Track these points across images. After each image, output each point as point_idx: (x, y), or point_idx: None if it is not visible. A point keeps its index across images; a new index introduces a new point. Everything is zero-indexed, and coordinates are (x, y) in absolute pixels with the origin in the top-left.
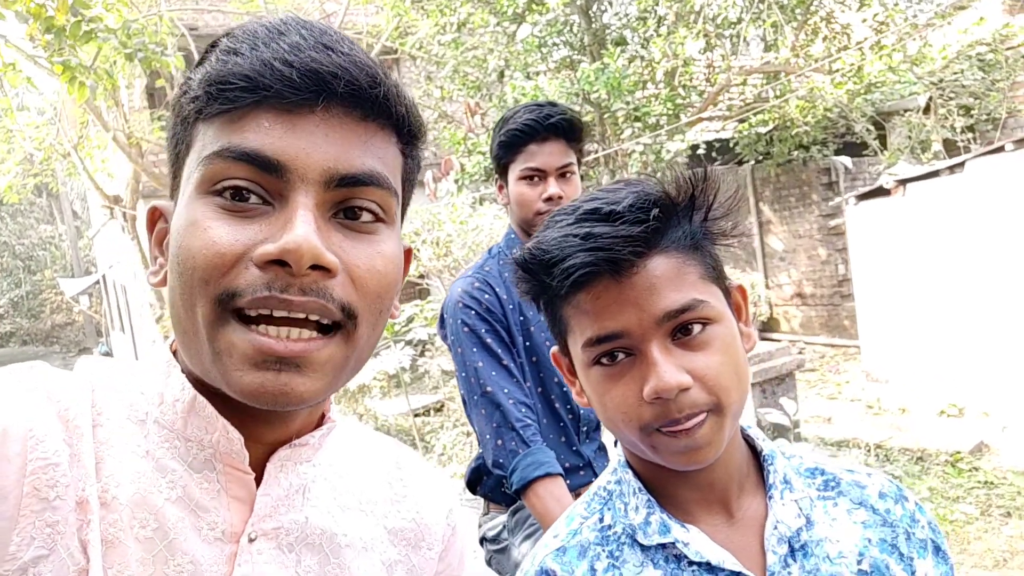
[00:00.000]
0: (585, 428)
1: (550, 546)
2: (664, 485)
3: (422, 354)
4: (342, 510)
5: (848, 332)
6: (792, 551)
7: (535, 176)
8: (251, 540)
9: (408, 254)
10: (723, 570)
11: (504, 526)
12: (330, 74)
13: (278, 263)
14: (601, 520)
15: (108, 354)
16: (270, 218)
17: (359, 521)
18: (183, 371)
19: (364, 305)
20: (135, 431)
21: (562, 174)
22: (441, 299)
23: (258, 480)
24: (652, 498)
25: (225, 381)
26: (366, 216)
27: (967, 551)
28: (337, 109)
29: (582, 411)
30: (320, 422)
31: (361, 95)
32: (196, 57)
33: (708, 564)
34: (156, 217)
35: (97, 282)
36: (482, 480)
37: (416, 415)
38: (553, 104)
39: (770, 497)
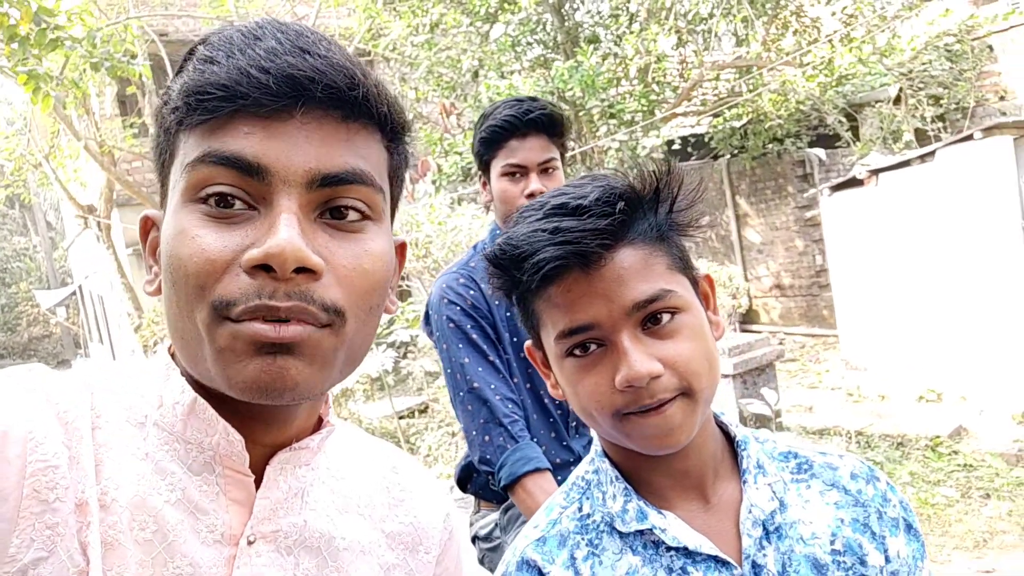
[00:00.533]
0: (575, 423)
1: (530, 536)
2: (640, 473)
3: (405, 356)
4: (340, 513)
5: (827, 322)
6: (767, 533)
7: (517, 172)
8: (250, 543)
9: (402, 248)
10: (700, 554)
11: (496, 524)
12: (307, 79)
13: (264, 267)
14: (580, 509)
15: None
16: (256, 223)
17: (357, 525)
18: (182, 374)
19: (352, 302)
20: (134, 433)
21: (544, 170)
22: (422, 300)
23: (257, 483)
24: (629, 486)
25: (226, 375)
26: (352, 215)
27: (948, 533)
28: (317, 112)
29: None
30: (318, 426)
31: (340, 97)
32: (167, 63)
33: (685, 549)
34: (149, 227)
35: (73, 293)
36: (472, 478)
37: (400, 417)
38: (534, 99)
39: (744, 482)
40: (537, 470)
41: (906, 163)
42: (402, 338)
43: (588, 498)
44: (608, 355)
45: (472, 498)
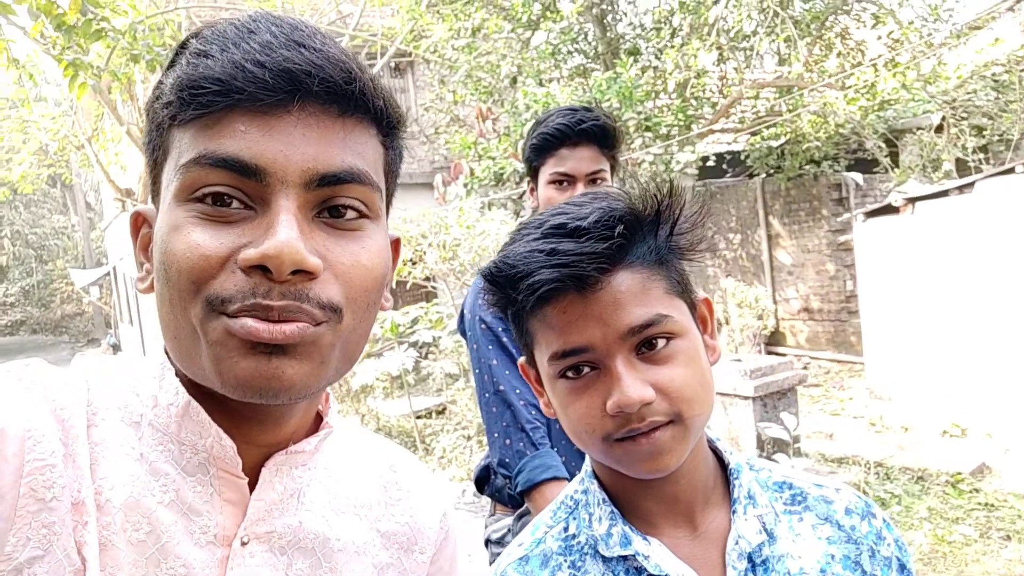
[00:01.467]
0: None
1: (513, 555)
2: (629, 497)
3: (426, 356)
4: (336, 514)
5: (854, 348)
6: (753, 566)
7: (564, 181)
8: (243, 543)
9: (396, 244)
10: None
11: (509, 529)
12: (303, 72)
13: (260, 267)
14: (566, 529)
15: (116, 346)
16: (253, 222)
17: (353, 525)
18: (177, 374)
19: (349, 299)
20: (129, 433)
21: (592, 180)
22: (447, 302)
23: (253, 483)
24: (616, 509)
25: (218, 372)
26: (350, 214)
27: (964, 573)
28: (313, 107)
29: None
30: (317, 426)
31: (337, 91)
32: None
33: None
34: (140, 223)
35: (108, 274)
36: (489, 480)
37: (418, 417)
38: (588, 109)
39: (733, 512)
40: (555, 479)
41: (944, 193)
42: (424, 339)
43: (575, 519)
44: (601, 379)
45: (488, 500)
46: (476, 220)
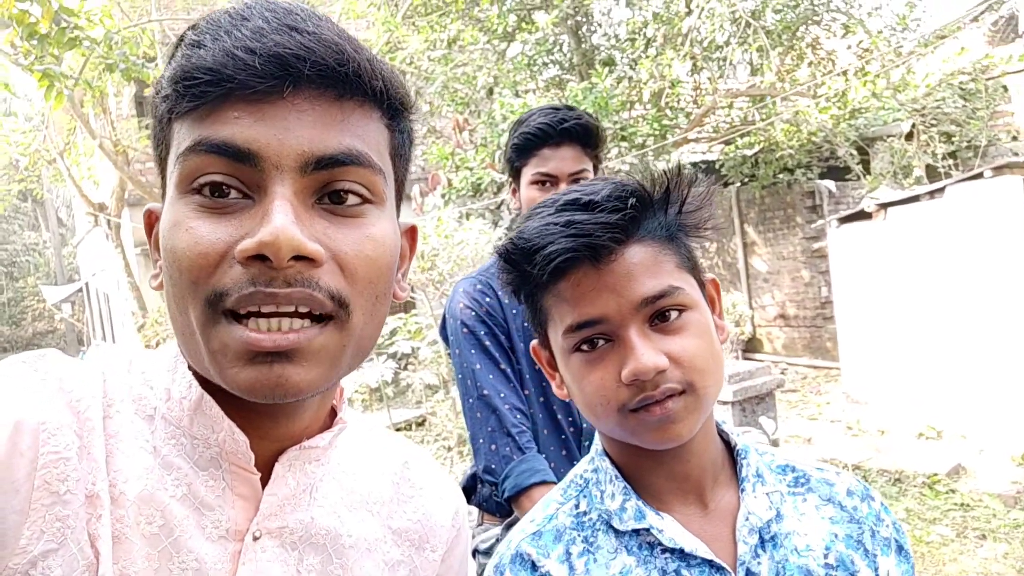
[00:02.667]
0: (587, 443)
1: (526, 530)
2: (641, 474)
3: (405, 367)
4: (348, 510)
5: (830, 354)
6: (762, 542)
7: (547, 181)
8: (255, 538)
9: (413, 232)
10: (695, 558)
11: (498, 539)
12: (295, 57)
13: (259, 258)
14: (577, 507)
15: None
16: (250, 212)
17: (365, 521)
18: (189, 368)
19: (356, 292)
20: (143, 426)
21: (575, 180)
22: (426, 312)
23: (266, 478)
24: (628, 485)
25: (222, 379)
26: (352, 199)
27: (942, 572)
28: (308, 91)
29: (585, 425)
30: (331, 420)
31: (330, 74)
32: None
33: (681, 551)
34: (153, 220)
35: (80, 290)
36: (476, 489)
37: (398, 429)
38: (570, 108)
39: (742, 490)
40: (543, 483)
41: (915, 198)
42: (403, 349)
43: (585, 496)
44: (615, 350)
45: (475, 510)
46: (454, 230)
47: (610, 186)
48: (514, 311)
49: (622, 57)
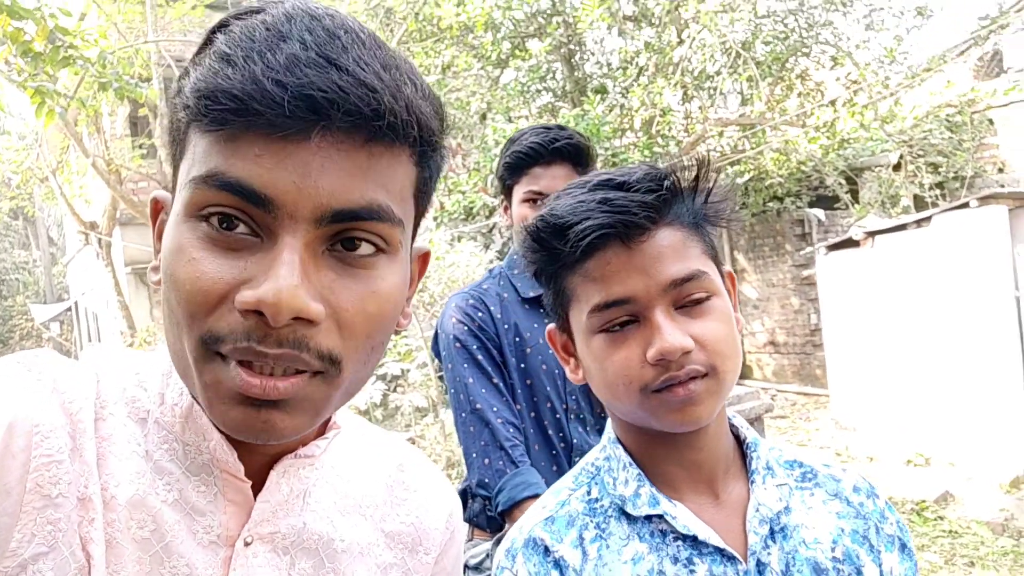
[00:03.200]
0: (577, 458)
1: (538, 516)
2: (654, 462)
3: (394, 390)
4: (341, 514)
5: (819, 381)
6: (772, 533)
7: (538, 199)
8: (247, 544)
9: (425, 258)
10: (708, 546)
11: (488, 554)
12: (327, 100)
13: (258, 312)
14: (588, 493)
15: None
16: (257, 253)
17: (357, 525)
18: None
19: (351, 347)
20: (136, 429)
21: None
22: (415, 334)
23: (259, 483)
24: (642, 472)
25: (211, 413)
26: (365, 248)
27: None
28: (337, 134)
29: (575, 440)
30: (325, 426)
31: (362, 122)
32: None
33: (694, 539)
34: (158, 209)
35: (69, 309)
36: (467, 504)
37: None
38: (561, 128)
39: (752, 482)
40: (537, 496)
41: (902, 227)
42: (393, 371)
43: (597, 483)
44: (640, 331)
45: (465, 526)
46: (446, 252)
47: (644, 169)
48: (506, 326)
49: (614, 85)
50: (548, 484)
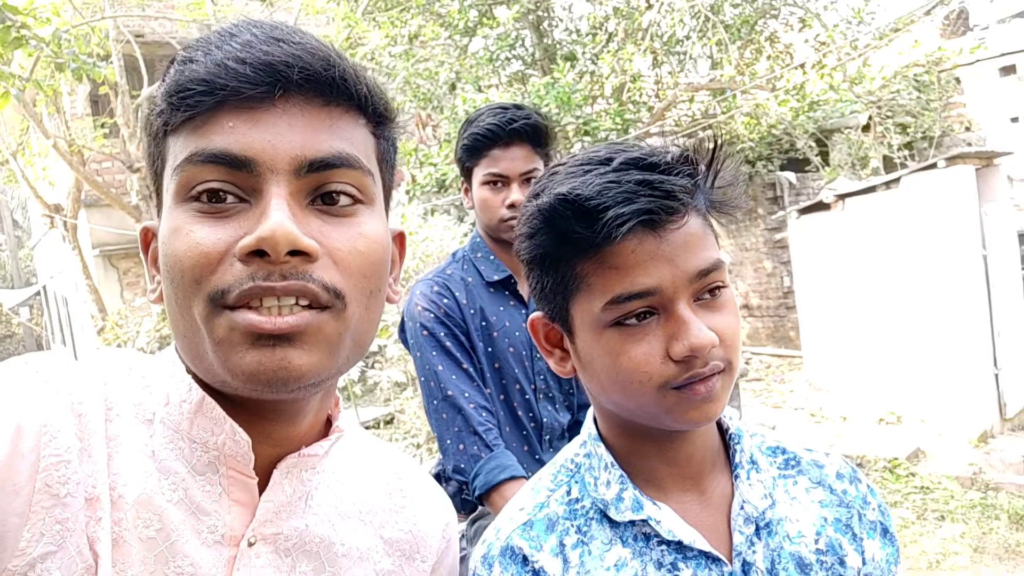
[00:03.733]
0: (548, 436)
1: (516, 520)
2: (640, 460)
3: (372, 366)
4: (342, 518)
5: (793, 343)
6: (757, 530)
7: (498, 181)
8: (250, 544)
9: (401, 238)
10: (692, 550)
11: (463, 535)
12: (283, 64)
13: (258, 254)
14: (568, 493)
15: None
16: (248, 214)
17: (357, 530)
18: (188, 372)
19: (351, 285)
20: (142, 430)
21: (526, 179)
22: (391, 309)
23: (262, 484)
24: (625, 473)
25: (227, 367)
26: (344, 200)
27: (903, 554)
28: (297, 98)
29: (545, 419)
30: (327, 428)
31: (318, 79)
32: (142, 64)
33: (679, 543)
34: (149, 238)
35: (38, 293)
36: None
37: (366, 428)
38: (519, 107)
39: (736, 476)
40: (513, 478)
41: (871, 189)
42: (370, 348)
43: (577, 482)
44: (660, 324)
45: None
46: (419, 227)
47: (673, 149)
48: (472, 311)
49: (583, 52)
50: (521, 464)
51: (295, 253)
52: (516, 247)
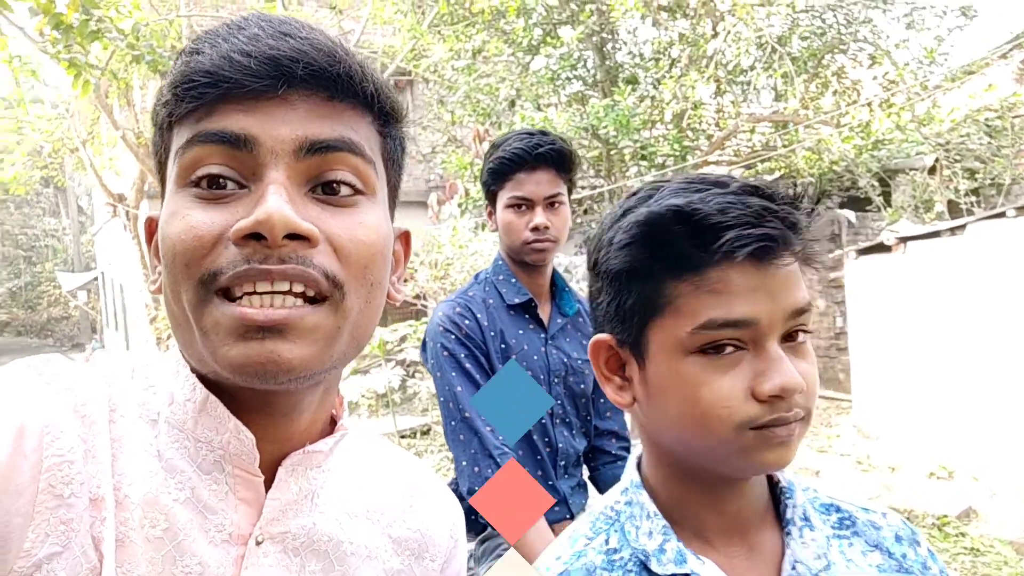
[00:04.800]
0: (563, 463)
1: (553, 569)
2: (686, 509)
3: (412, 375)
4: (349, 517)
5: (842, 386)
6: None
7: (522, 205)
8: (258, 543)
9: (406, 237)
10: None
11: (471, 554)
12: (288, 59)
13: (255, 237)
14: (607, 543)
15: (97, 350)
16: (246, 200)
17: (365, 529)
18: (192, 371)
19: (350, 275)
20: (147, 430)
21: (550, 204)
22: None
23: (268, 483)
24: (668, 524)
25: (214, 359)
26: (345, 190)
27: None
28: (302, 91)
29: (560, 445)
30: (332, 428)
31: (322, 75)
32: None
33: None
34: (153, 228)
35: (96, 278)
36: None
37: (402, 436)
38: (544, 133)
39: (787, 533)
40: None
41: (936, 234)
42: (412, 357)
43: (617, 531)
44: (748, 360)
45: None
46: (469, 240)
47: (786, 184)
48: (492, 333)
49: (645, 76)
50: None
51: (293, 237)
52: (600, 255)
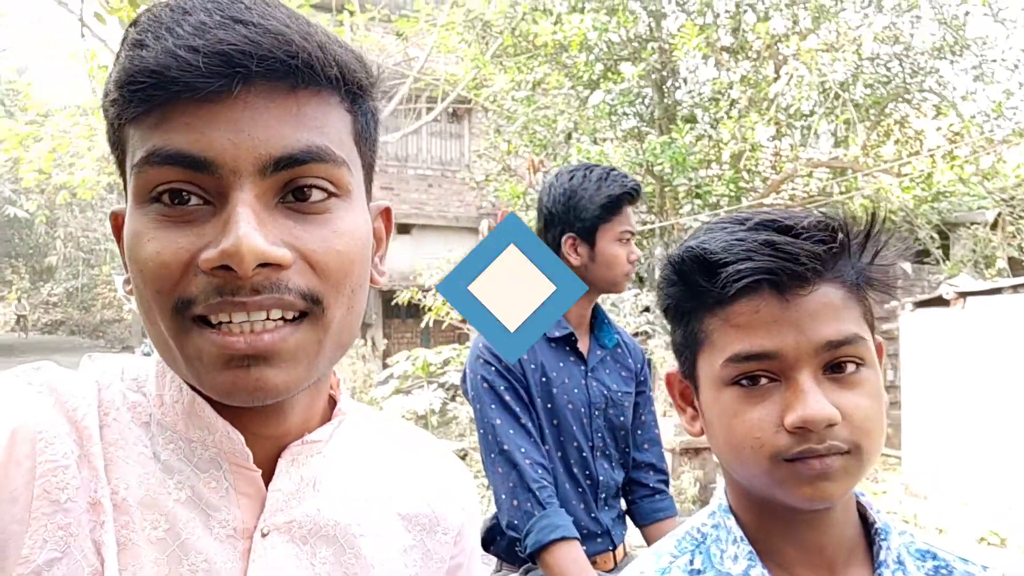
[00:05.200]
0: (604, 495)
1: None
2: (769, 539)
3: (453, 399)
4: (355, 500)
5: (891, 442)
6: None
7: (629, 238)
8: (264, 535)
9: (387, 213)
10: None
11: None
12: (240, 53)
13: (225, 267)
14: (691, 563)
15: (149, 355)
16: (212, 219)
17: (372, 510)
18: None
19: (329, 287)
20: (141, 433)
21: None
22: None
23: (268, 474)
24: (754, 550)
25: (200, 383)
26: (316, 194)
27: None
28: (259, 87)
29: (601, 477)
30: (331, 410)
31: (281, 68)
32: None
33: None
34: (120, 223)
35: None
36: (496, 540)
37: None
38: (624, 173)
39: (879, 575)
40: (564, 538)
41: (998, 290)
42: (454, 380)
43: (702, 553)
44: (780, 391)
45: (494, 559)
46: None
47: (814, 215)
48: (532, 366)
49: (704, 115)
50: (577, 523)
51: (265, 264)
52: (656, 292)
